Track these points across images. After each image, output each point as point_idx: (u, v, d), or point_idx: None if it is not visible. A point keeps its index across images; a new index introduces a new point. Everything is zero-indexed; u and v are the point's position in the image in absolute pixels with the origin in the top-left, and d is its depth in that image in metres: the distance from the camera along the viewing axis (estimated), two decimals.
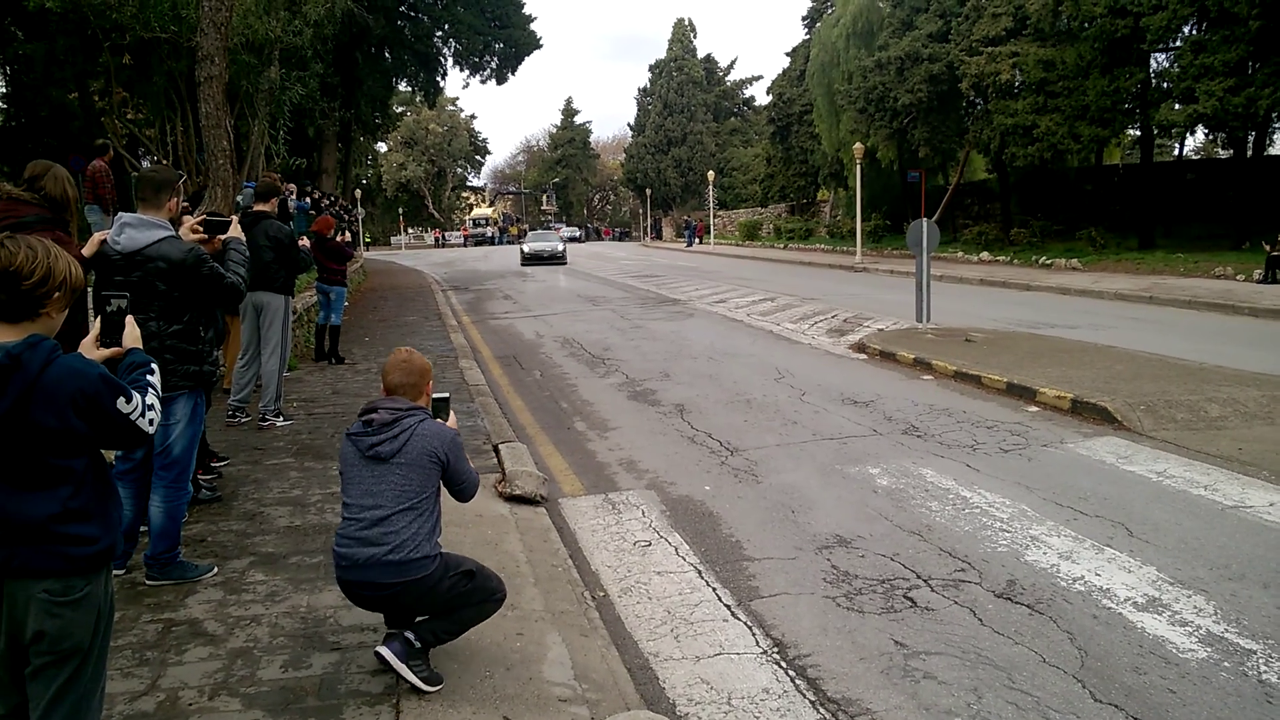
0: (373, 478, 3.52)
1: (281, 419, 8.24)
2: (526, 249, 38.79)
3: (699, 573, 5.09)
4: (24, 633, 2.35)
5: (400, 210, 77.59)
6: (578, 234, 72.45)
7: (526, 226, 72.13)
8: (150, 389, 2.55)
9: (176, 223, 4.80)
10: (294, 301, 9.30)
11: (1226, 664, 3.90)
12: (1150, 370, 9.72)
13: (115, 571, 4.67)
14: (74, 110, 18.91)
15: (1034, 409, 8.71)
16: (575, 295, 22.33)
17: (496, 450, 7.27)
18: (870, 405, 9.06)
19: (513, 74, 37.65)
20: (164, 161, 17.38)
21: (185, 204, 6.43)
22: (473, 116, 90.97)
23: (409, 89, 41.82)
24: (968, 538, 5.44)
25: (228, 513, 5.80)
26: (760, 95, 72.08)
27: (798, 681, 3.90)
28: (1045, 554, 5.15)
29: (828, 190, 46.47)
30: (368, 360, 12.04)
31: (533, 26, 36.77)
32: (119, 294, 2.75)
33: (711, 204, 57.87)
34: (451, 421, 3.77)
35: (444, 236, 77.64)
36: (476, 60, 36.63)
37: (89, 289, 4.37)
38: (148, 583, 4.60)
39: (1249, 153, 25.32)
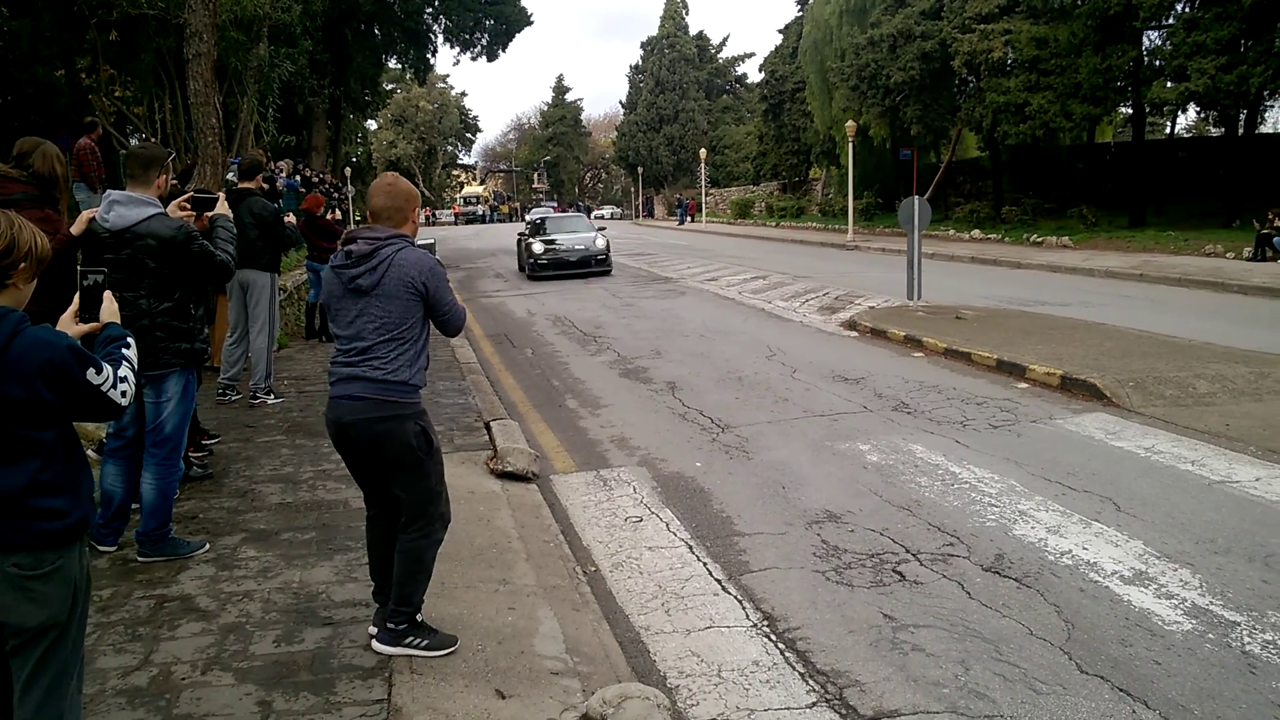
0: (355, 310, 3.55)
1: (272, 396, 8.26)
2: (538, 248, 21.05)
3: (690, 548, 5.12)
4: None
5: None
6: (607, 214, 65.82)
7: (518, 204, 69.99)
8: (125, 361, 2.52)
9: (166, 200, 4.77)
10: (283, 279, 9.27)
11: (1211, 636, 3.94)
12: (1140, 347, 9.77)
13: (107, 548, 4.71)
14: (61, 88, 18.70)
15: (1023, 385, 8.75)
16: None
17: (488, 427, 7.28)
18: (861, 382, 9.08)
19: (503, 51, 37.48)
20: (152, 139, 17.25)
21: (174, 181, 6.37)
22: (463, 94, 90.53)
23: (399, 66, 41.42)
24: (956, 512, 5.47)
25: (219, 490, 5.82)
26: (753, 73, 71.48)
27: (787, 654, 3.93)
28: (1033, 528, 5.19)
29: (820, 168, 46.26)
30: None
31: (523, 2, 36.57)
32: (96, 269, 2.73)
33: (704, 182, 57.64)
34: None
35: (435, 215, 77.39)
36: (467, 37, 36.39)
37: (78, 267, 4.35)
38: (139, 559, 4.61)
39: (1240, 131, 25.29)
